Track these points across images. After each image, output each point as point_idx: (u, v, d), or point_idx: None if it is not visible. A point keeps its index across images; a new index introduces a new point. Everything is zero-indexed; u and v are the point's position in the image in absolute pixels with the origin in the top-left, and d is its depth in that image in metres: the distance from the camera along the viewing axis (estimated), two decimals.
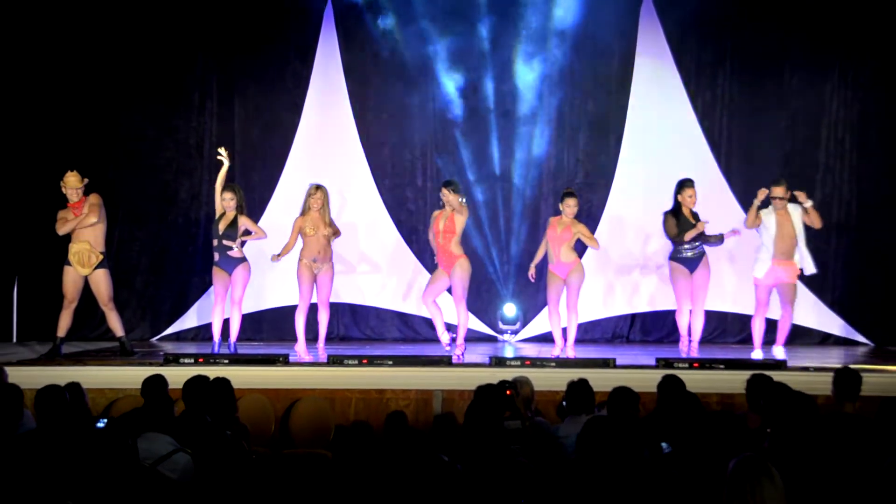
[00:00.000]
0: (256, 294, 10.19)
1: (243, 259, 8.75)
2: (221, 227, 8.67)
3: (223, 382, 5.64)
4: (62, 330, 8.70)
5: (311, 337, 8.91)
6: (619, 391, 5.24)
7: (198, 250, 10.51)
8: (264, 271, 10.12)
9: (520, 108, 10.60)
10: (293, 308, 8.84)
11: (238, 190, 8.86)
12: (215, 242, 8.71)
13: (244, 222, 8.72)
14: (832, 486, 3.86)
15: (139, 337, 10.49)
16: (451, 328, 8.82)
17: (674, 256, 8.62)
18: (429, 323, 10.59)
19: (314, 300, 8.75)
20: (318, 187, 8.65)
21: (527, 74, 10.56)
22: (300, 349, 8.69)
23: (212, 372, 6.17)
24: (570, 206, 8.49)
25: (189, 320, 10.69)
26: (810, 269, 8.52)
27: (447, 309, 8.85)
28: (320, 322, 8.73)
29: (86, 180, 8.67)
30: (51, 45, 10.51)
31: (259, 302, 10.45)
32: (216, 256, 8.72)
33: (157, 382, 5.46)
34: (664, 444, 4.59)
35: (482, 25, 10.50)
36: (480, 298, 10.63)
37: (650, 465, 4.07)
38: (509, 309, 10.50)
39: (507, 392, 5.51)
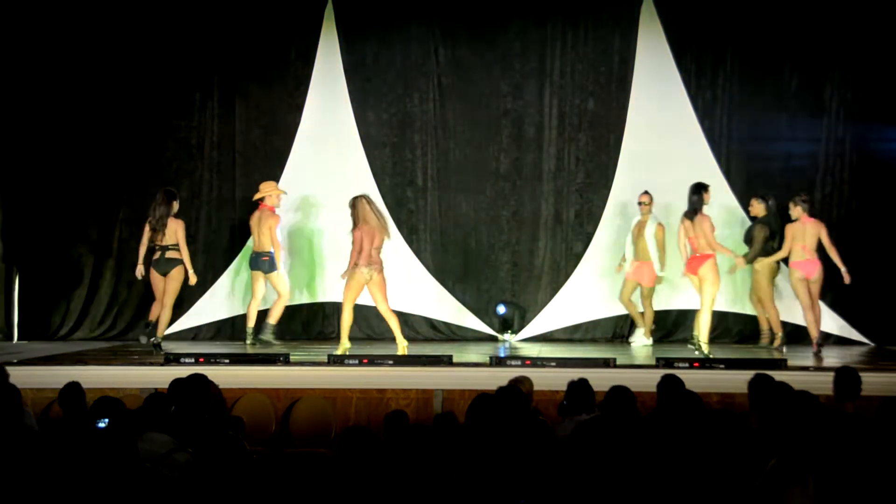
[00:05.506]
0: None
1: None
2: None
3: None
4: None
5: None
6: (615, 391, 5.23)
7: (198, 249, 10.49)
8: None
9: (520, 107, 10.61)
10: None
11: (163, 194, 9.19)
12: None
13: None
14: (832, 485, 3.86)
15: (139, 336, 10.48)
16: None
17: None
18: (429, 323, 10.60)
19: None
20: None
21: (527, 74, 10.57)
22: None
23: (212, 371, 6.18)
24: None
25: (189, 319, 10.68)
26: None
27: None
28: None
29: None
30: (51, 45, 10.50)
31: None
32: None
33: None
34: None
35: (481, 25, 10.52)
36: (480, 298, 10.62)
37: (649, 465, 4.06)
38: (500, 308, 10.49)
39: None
